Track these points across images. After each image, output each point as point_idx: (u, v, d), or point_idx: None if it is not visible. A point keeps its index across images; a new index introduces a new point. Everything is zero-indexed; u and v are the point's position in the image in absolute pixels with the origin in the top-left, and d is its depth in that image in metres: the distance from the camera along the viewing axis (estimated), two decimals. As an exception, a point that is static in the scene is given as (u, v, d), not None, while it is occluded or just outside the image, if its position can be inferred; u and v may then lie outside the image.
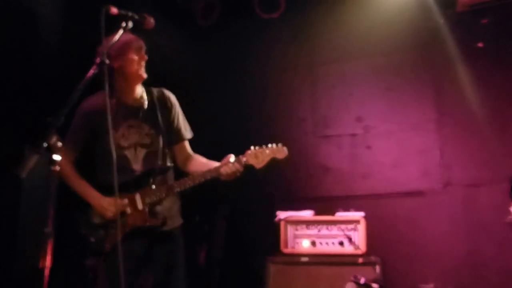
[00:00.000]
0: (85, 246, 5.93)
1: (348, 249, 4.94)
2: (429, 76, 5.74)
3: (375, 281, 4.56)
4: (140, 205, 3.51)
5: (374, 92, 5.98)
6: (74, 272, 5.93)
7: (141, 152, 3.61)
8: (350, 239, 4.93)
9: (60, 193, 5.54)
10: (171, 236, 3.63)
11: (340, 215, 5.13)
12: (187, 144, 3.86)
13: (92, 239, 3.49)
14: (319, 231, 5.05)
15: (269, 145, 3.61)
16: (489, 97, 5.39)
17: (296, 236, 5.11)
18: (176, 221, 3.71)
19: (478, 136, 5.43)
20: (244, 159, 3.54)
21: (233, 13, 6.48)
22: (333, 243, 5.02)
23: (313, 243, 5.03)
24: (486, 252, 5.22)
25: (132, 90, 3.66)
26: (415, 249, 5.43)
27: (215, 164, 3.62)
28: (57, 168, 2.51)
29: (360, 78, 6.06)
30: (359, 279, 4.54)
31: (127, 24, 3.13)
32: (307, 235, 5.07)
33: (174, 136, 3.78)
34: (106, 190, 3.48)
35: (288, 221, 5.12)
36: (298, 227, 5.11)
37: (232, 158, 3.54)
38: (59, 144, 2.52)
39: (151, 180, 3.56)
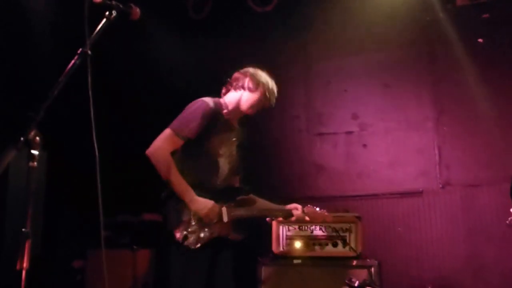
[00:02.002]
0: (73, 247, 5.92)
1: (342, 251, 4.80)
2: (428, 73, 5.68)
3: (369, 285, 4.44)
4: (226, 218, 3.71)
5: (371, 89, 5.91)
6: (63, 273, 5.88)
7: (227, 166, 3.83)
8: (344, 241, 4.79)
9: (51, 192, 5.56)
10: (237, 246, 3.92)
11: (334, 215, 4.98)
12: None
13: (185, 233, 3.59)
14: (312, 232, 4.92)
15: (317, 208, 4.03)
16: (490, 94, 5.31)
17: (288, 237, 4.97)
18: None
19: (478, 134, 5.37)
20: (306, 211, 4.00)
21: (225, 6, 6.40)
22: (326, 244, 4.87)
23: (306, 244, 4.89)
24: (486, 255, 5.16)
25: (240, 115, 3.99)
26: (413, 251, 5.39)
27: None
28: (35, 164, 2.39)
29: (357, 74, 5.98)
30: (353, 282, 4.41)
31: (111, 13, 2.99)
32: (300, 236, 4.93)
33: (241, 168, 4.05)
34: (194, 190, 3.65)
35: (280, 222, 4.98)
36: (291, 228, 4.98)
37: (300, 208, 4.00)
38: (38, 138, 2.39)
39: (231, 196, 3.82)
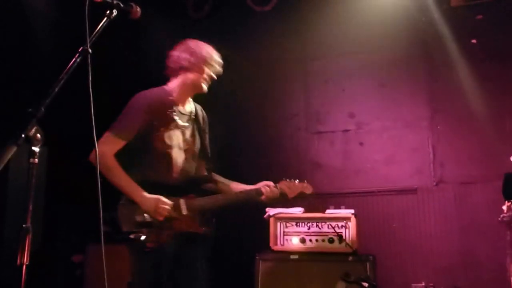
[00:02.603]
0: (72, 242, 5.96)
1: (338, 246, 4.85)
2: (423, 73, 5.73)
3: (364, 280, 4.49)
4: (184, 211, 3.52)
5: (367, 88, 5.95)
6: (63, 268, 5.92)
7: (182, 155, 3.64)
8: (340, 237, 4.84)
9: (51, 188, 5.58)
10: (206, 239, 3.69)
11: (330, 212, 5.04)
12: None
13: (132, 236, 3.41)
14: (308, 228, 4.96)
15: (297, 180, 3.86)
16: (483, 94, 5.35)
17: (285, 233, 5.02)
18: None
19: (471, 133, 5.42)
20: (279, 186, 3.78)
21: (224, 5, 6.44)
22: (323, 240, 4.92)
23: (303, 240, 4.94)
24: (479, 251, 5.20)
25: (189, 96, 3.79)
26: (407, 247, 5.43)
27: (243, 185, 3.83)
28: (36, 160, 2.40)
29: (354, 73, 6.02)
30: (349, 277, 4.47)
31: (111, 12, 3.04)
32: (297, 232, 4.98)
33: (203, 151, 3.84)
34: (147, 188, 3.47)
35: (277, 218, 5.04)
36: (288, 224, 5.02)
37: (271, 184, 3.77)
38: (39, 135, 2.39)
39: (191, 187, 3.62)
